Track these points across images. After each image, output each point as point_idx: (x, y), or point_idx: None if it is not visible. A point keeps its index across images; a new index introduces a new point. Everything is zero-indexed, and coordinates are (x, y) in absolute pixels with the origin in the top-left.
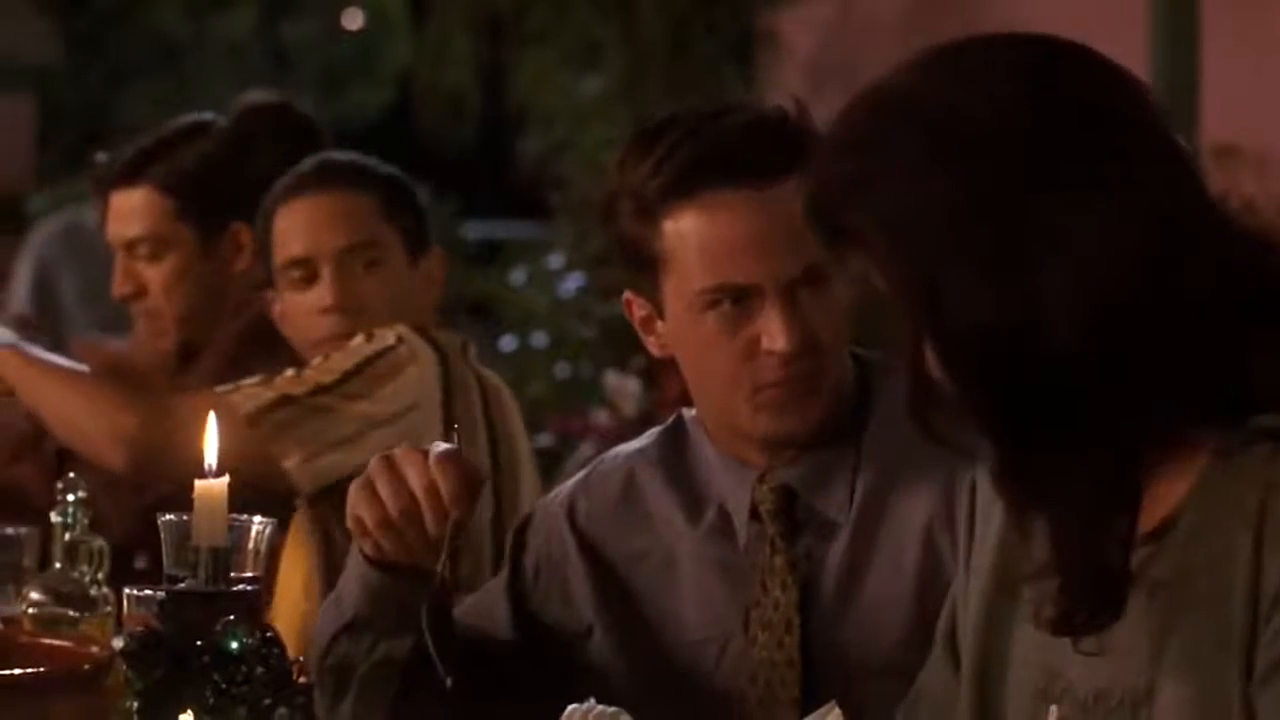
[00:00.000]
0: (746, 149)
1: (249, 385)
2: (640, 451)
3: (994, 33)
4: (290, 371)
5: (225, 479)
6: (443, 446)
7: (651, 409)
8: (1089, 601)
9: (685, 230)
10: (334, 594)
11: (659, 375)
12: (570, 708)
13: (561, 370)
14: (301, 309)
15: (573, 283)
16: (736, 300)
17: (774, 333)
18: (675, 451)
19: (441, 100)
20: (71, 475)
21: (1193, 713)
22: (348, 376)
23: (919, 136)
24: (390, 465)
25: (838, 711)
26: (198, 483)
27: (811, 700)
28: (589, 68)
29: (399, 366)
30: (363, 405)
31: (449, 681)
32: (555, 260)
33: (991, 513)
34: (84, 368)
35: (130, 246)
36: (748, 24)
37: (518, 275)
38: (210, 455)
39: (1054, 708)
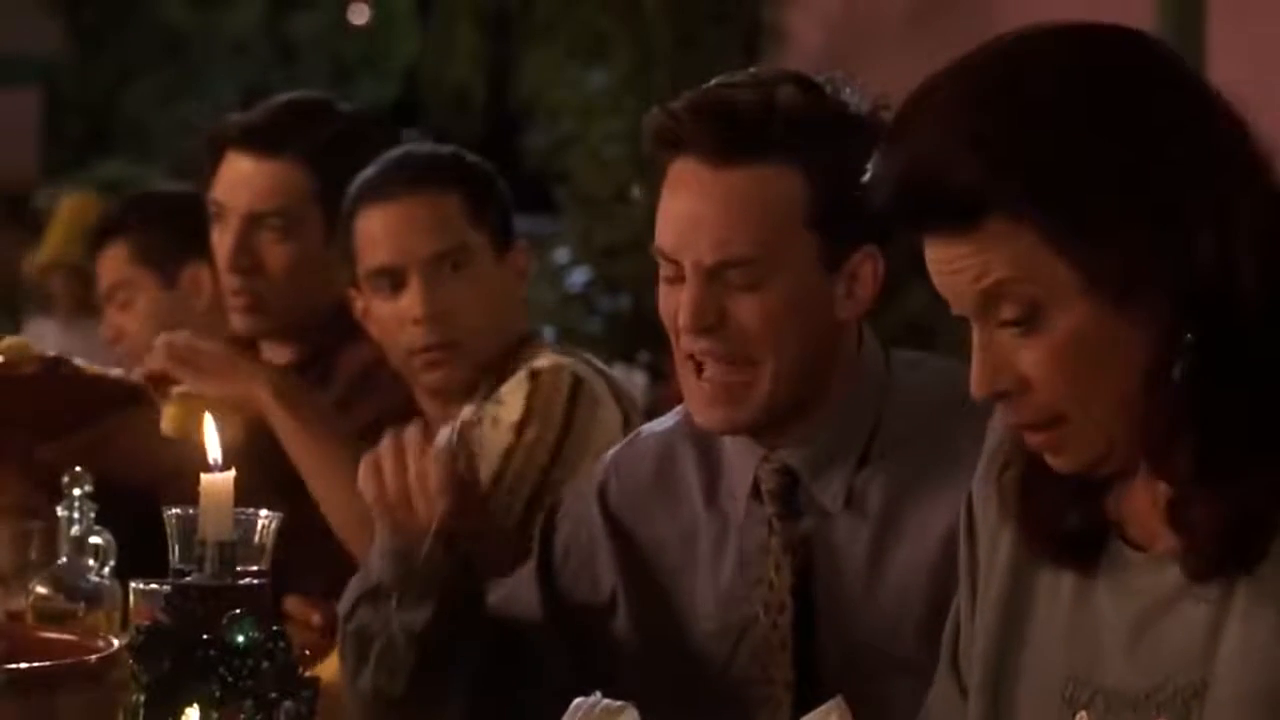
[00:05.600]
0: (711, 124)
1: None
2: (673, 429)
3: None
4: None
5: (231, 473)
6: (445, 438)
7: (658, 403)
8: (1235, 553)
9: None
10: (364, 560)
11: (666, 370)
12: (576, 701)
13: None
14: (390, 317)
15: (579, 277)
16: (672, 270)
17: (684, 305)
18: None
19: (447, 94)
20: (77, 469)
21: (1249, 708)
22: (560, 445)
23: (1056, 91)
24: (396, 449)
25: (843, 707)
26: (204, 477)
27: (809, 686)
28: (595, 61)
29: (594, 408)
30: (582, 463)
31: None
32: (562, 254)
33: (1001, 533)
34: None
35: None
36: (754, 17)
37: None
38: (214, 450)
39: (1083, 713)
